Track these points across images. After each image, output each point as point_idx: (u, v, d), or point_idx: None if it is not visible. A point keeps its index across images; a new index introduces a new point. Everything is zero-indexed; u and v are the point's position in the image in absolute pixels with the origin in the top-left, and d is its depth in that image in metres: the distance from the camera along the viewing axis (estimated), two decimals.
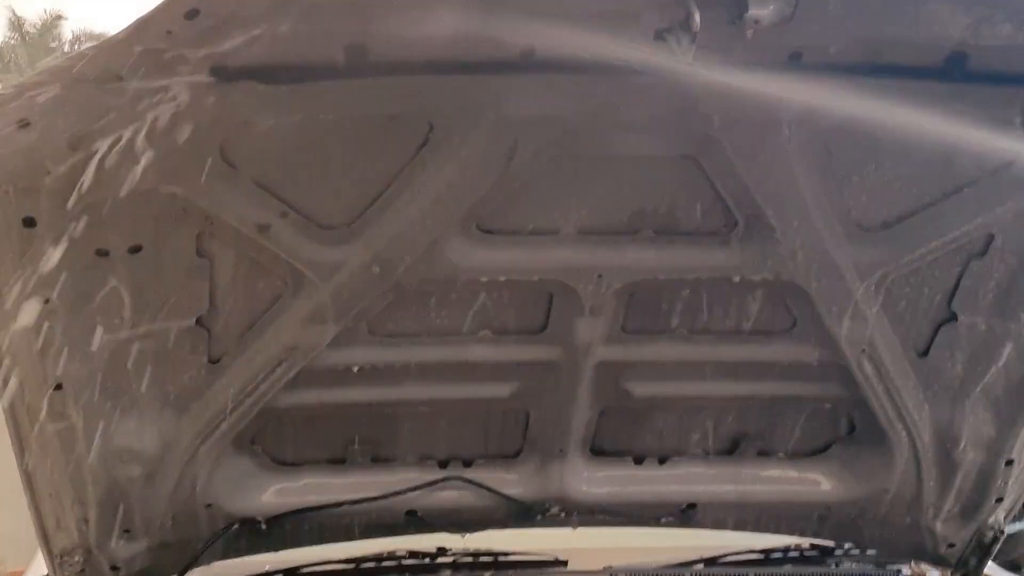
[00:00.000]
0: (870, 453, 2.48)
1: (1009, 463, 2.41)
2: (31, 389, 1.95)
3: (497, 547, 2.65)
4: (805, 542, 2.76)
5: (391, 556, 2.61)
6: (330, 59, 1.61)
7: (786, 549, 2.76)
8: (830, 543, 2.76)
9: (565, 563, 2.67)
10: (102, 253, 1.83)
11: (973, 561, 2.60)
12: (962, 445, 2.40)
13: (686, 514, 2.59)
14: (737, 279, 2.08)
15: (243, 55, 1.56)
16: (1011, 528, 2.63)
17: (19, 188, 1.68)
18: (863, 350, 2.22)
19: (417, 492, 2.45)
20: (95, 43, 1.60)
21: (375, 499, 2.43)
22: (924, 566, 2.72)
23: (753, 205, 1.94)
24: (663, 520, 2.60)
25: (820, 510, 2.60)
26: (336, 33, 1.58)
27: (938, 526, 2.56)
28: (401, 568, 2.62)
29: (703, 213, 1.99)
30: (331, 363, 2.16)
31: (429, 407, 2.36)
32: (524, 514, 2.52)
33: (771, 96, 1.76)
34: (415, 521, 2.52)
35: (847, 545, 2.76)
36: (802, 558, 2.75)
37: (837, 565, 2.75)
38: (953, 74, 1.71)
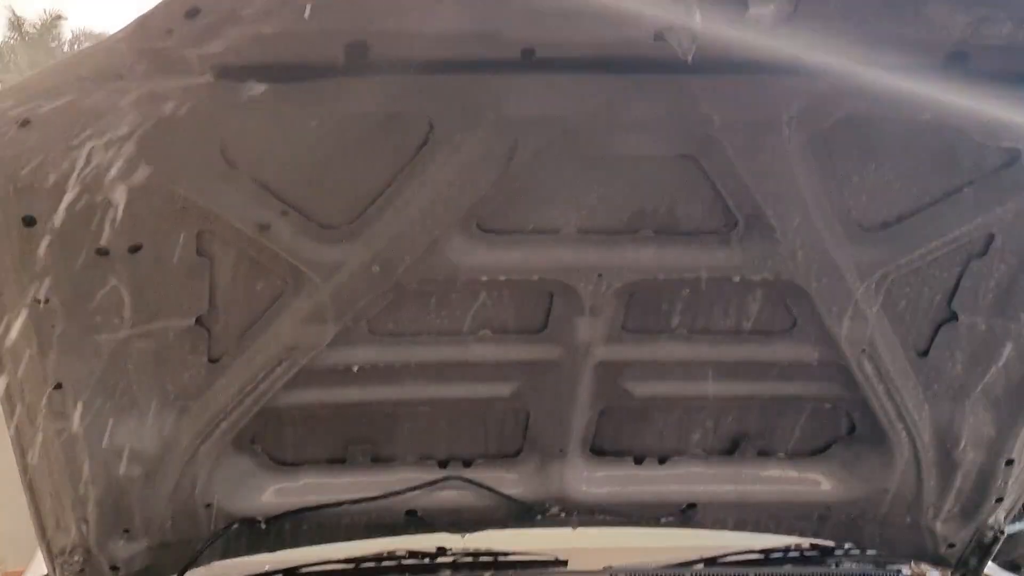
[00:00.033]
0: (870, 453, 2.48)
1: (1009, 463, 2.41)
2: (31, 388, 1.95)
3: (497, 547, 2.65)
4: (805, 542, 2.75)
5: (391, 556, 2.61)
6: (330, 58, 1.61)
7: (786, 549, 2.76)
8: (830, 543, 2.76)
9: (565, 563, 2.67)
10: (102, 252, 1.83)
11: (973, 561, 2.60)
12: (962, 445, 2.40)
13: (686, 514, 2.59)
14: (737, 279, 2.08)
15: (243, 54, 1.56)
16: (1011, 528, 2.63)
17: (19, 187, 1.68)
18: (863, 350, 2.21)
19: (417, 492, 2.45)
20: (95, 42, 1.60)
21: (375, 499, 2.43)
22: (924, 566, 2.72)
23: (753, 205, 1.94)
24: (663, 520, 2.59)
25: (820, 510, 2.60)
26: (336, 32, 1.58)
27: (938, 526, 2.56)
28: (401, 568, 2.62)
29: (703, 213, 1.99)
30: (331, 363, 2.16)
31: (429, 407, 2.36)
32: (524, 514, 2.52)
33: (771, 96, 1.76)
34: (415, 521, 2.52)
35: (847, 545, 2.76)
36: (802, 558, 2.75)
37: (837, 565, 2.75)
38: (954, 73, 1.71)
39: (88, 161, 1.64)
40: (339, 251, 1.94)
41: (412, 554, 2.62)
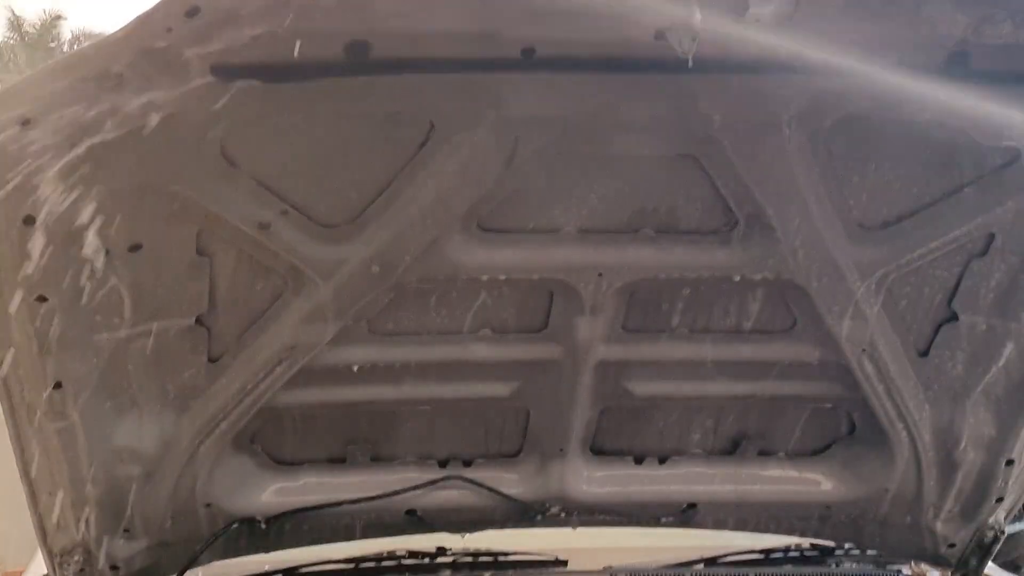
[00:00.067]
0: (870, 453, 2.48)
1: (1010, 463, 2.41)
2: (31, 388, 1.95)
3: (497, 547, 2.65)
4: (805, 542, 2.76)
5: (391, 556, 2.61)
6: (331, 57, 1.60)
7: (786, 549, 2.76)
8: (830, 543, 2.76)
9: (565, 563, 2.67)
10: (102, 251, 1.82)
11: (973, 561, 2.60)
12: (962, 445, 2.40)
13: (686, 514, 2.59)
14: (737, 278, 2.08)
15: (244, 53, 1.55)
16: (1011, 528, 2.63)
17: (19, 186, 1.67)
18: (863, 350, 2.21)
19: (417, 492, 2.45)
20: (95, 41, 1.60)
21: (375, 499, 2.43)
22: (924, 566, 2.72)
23: (753, 204, 1.94)
24: (663, 520, 2.59)
25: (820, 510, 2.60)
26: (337, 31, 1.58)
27: (938, 526, 2.56)
28: (401, 568, 2.62)
29: (703, 212, 1.99)
30: (331, 362, 2.16)
31: (429, 406, 2.36)
32: (524, 514, 2.52)
33: (772, 95, 1.76)
34: (415, 521, 2.52)
35: (847, 545, 2.76)
36: (802, 558, 2.76)
37: (837, 565, 2.75)
38: (955, 72, 1.71)
39: (88, 160, 1.63)
40: (339, 250, 1.94)
41: (412, 554, 2.62)
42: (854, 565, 2.76)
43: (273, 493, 2.43)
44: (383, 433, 2.43)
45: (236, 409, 2.16)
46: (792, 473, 2.57)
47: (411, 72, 1.65)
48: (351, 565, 2.59)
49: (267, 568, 2.56)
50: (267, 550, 2.48)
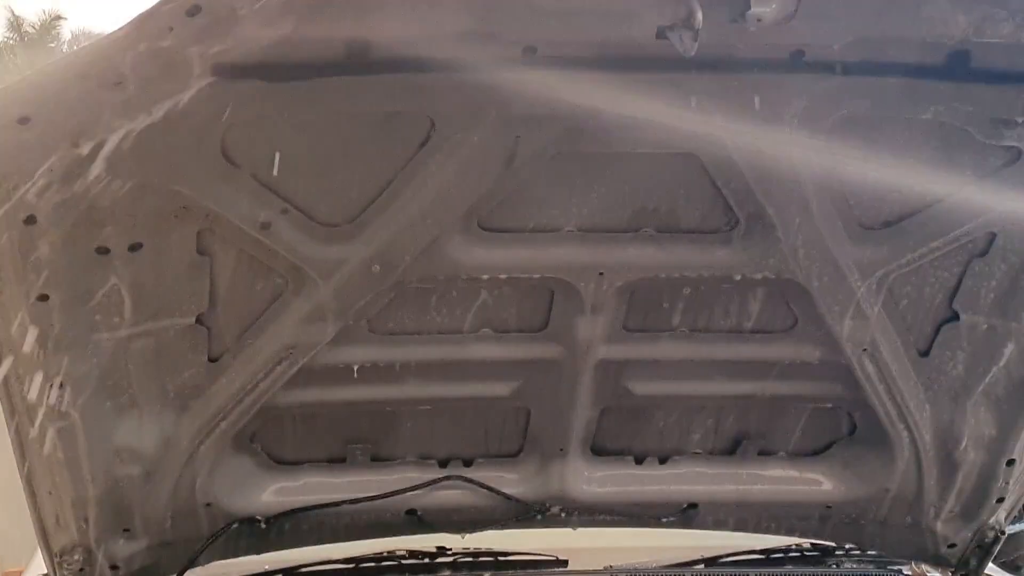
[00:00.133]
0: (871, 453, 2.48)
1: (1010, 463, 2.41)
2: (31, 387, 1.95)
3: (497, 547, 2.64)
4: (806, 542, 2.75)
5: (391, 556, 2.61)
6: (332, 56, 1.60)
7: (787, 549, 2.76)
8: (831, 543, 2.76)
9: (565, 563, 2.66)
10: (102, 251, 1.82)
11: (974, 561, 2.60)
12: (963, 445, 2.40)
13: (687, 514, 2.59)
14: (738, 277, 2.08)
15: (245, 52, 1.56)
16: (1012, 528, 2.63)
17: (19, 185, 1.67)
18: (864, 349, 2.21)
19: (417, 491, 2.45)
20: (96, 40, 1.60)
21: (375, 498, 2.43)
22: (925, 566, 2.72)
23: (754, 203, 1.94)
24: (664, 520, 2.59)
25: (821, 510, 2.59)
26: (338, 30, 1.58)
27: (939, 526, 2.56)
28: (401, 568, 2.62)
29: (704, 211, 1.99)
30: (331, 361, 2.16)
31: (429, 406, 2.36)
32: (524, 514, 2.52)
33: (773, 94, 1.76)
34: (415, 521, 2.51)
35: (848, 545, 2.76)
36: (803, 558, 2.75)
37: (838, 565, 2.75)
38: (955, 72, 1.71)
39: (88, 159, 1.63)
40: (340, 250, 1.94)
41: (412, 554, 2.61)
42: (854, 565, 2.76)
43: (273, 493, 2.42)
44: (383, 433, 2.42)
45: (236, 409, 2.16)
46: (793, 473, 2.57)
47: (412, 72, 1.65)
48: (351, 565, 2.59)
49: (267, 568, 2.56)
50: (267, 550, 2.48)
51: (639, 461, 2.54)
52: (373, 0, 1.56)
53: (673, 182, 1.94)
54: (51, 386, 1.96)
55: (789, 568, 2.73)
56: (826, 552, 2.77)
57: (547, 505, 2.52)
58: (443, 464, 2.49)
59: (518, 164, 1.83)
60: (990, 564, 2.63)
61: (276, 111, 1.71)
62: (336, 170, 1.86)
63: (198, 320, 2.02)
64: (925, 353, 2.28)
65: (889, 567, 2.74)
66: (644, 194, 1.96)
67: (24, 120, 1.57)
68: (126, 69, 1.54)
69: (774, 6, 1.55)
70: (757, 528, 2.64)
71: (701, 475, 2.55)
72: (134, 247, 1.84)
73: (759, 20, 1.55)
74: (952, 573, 2.65)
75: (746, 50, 1.63)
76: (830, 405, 2.46)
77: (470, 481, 2.47)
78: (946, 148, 1.89)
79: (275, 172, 1.82)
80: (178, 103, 1.60)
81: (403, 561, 2.61)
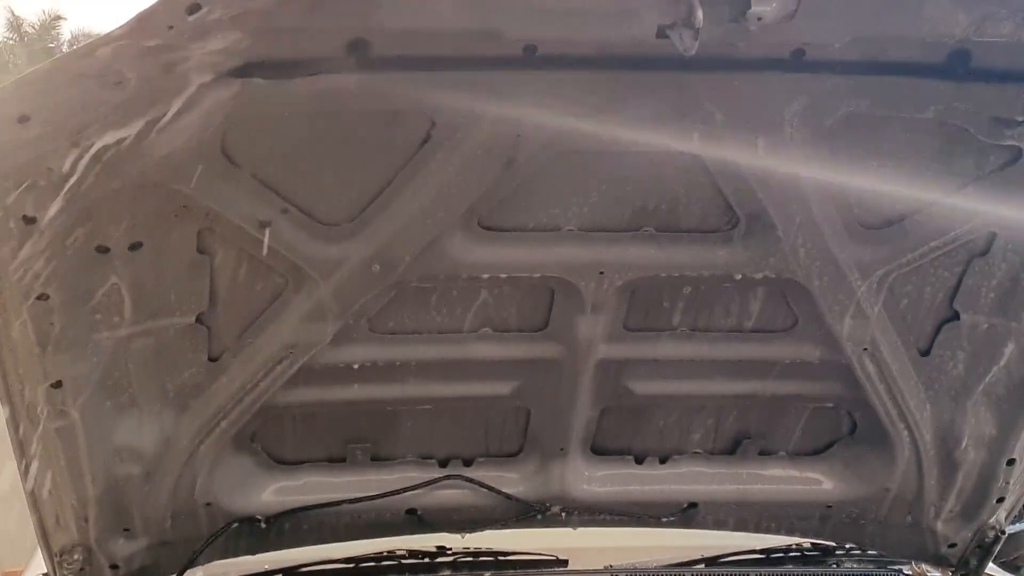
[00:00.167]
0: (871, 453, 2.48)
1: (1011, 463, 2.41)
2: (31, 387, 1.95)
3: (497, 547, 2.64)
4: (806, 542, 2.75)
5: (391, 556, 2.61)
6: (332, 55, 1.60)
7: (787, 549, 2.76)
8: (831, 543, 2.76)
9: (566, 563, 2.66)
10: (102, 250, 1.82)
11: (974, 561, 2.60)
12: (964, 445, 2.40)
13: (687, 513, 2.59)
14: (739, 277, 2.08)
15: (245, 50, 1.55)
16: (1012, 528, 2.63)
17: (19, 184, 1.67)
18: (865, 349, 2.21)
19: (417, 491, 2.45)
20: (96, 39, 1.59)
21: (375, 498, 2.42)
22: (925, 566, 2.72)
23: (755, 202, 1.94)
24: (664, 520, 2.59)
25: (821, 510, 2.59)
26: (338, 29, 1.58)
27: (939, 526, 2.56)
28: (401, 568, 2.62)
29: (705, 211, 1.98)
30: (331, 361, 2.15)
31: (429, 405, 2.36)
32: (524, 513, 2.52)
33: (773, 93, 1.76)
34: (415, 520, 2.51)
35: (848, 545, 2.76)
36: (803, 558, 2.76)
37: (838, 565, 2.75)
38: (955, 71, 1.71)
39: (88, 157, 1.63)
40: (340, 249, 1.94)
41: (412, 554, 2.61)
42: (855, 565, 2.76)
43: (273, 492, 2.42)
44: (383, 432, 2.42)
45: (236, 408, 2.16)
46: (793, 473, 2.57)
47: (412, 70, 1.65)
48: (351, 565, 2.59)
49: (267, 568, 2.56)
50: (267, 550, 2.48)
51: (639, 461, 2.54)
52: None
53: (674, 181, 1.94)
54: (51, 386, 1.95)
55: (789, 568, 2.73)
56: (826, 552, 2.77)
57: (547, 505, 2.52)
58: (443, 464, 2.49)
59: (518, 163, 1.83)
60: (990, 564, 2.63)
61: (276, 110, 1.70)
62: (336, 169, 1.85)
63: (198, 319, 2.02)
64: (926, 353, 2.28)
65: (889, 567, 2.74)
66: (644, 193, 1.96)
67: (24, 119, 1.57)
68: (125, 68, 1.54)
69: (775, 5, 1.55)
70: (757, 528, 2.64)
71: (701, 475, 2.55)
72: (134, 246, 1.84)
73: (760, 19, 1.55)
74: (952, 573, 2.65)
75: (747, 49, 1.62)
76: (830, 405, 2.46)
77: (470, 481, 2.47)
78: (946, 147, 1.89)
79: (275, 171, 1.82)
80: (178, 102, 1.60)
81: (403, 561, 2.61)
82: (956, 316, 2.21)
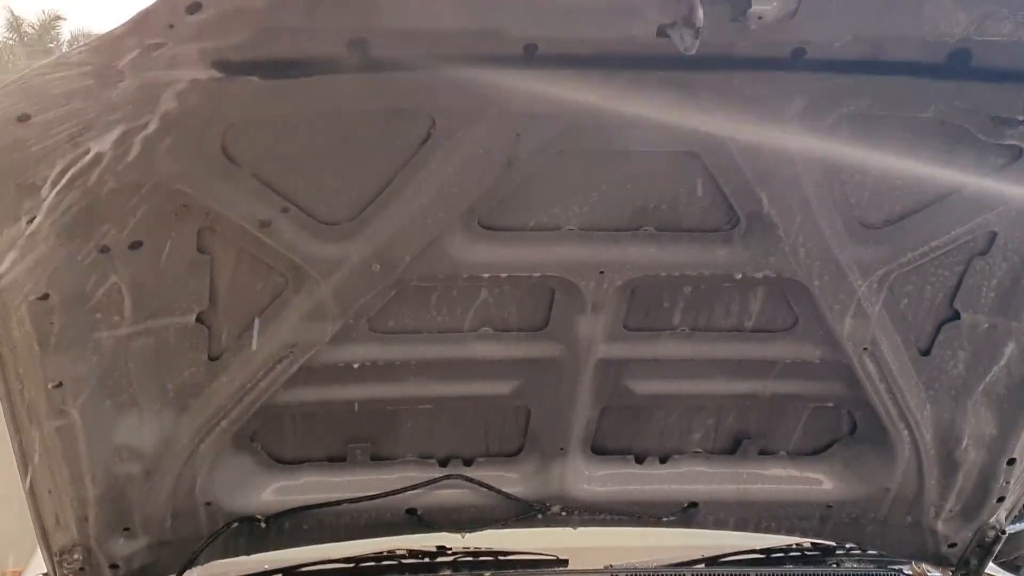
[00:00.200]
0: (872, 452, 2.48)
1: (1011, 462, 2.41)
2: (31, 386, 1.95)
3: (497, 546, 2.64)
4: (806, 541, 2.75)
5: (391, 556, 2.61)
6: (332, 54, 1.60)
7: (787, 548, 2.76)
8: (831, 543, 2.76)
9: (566, 562, 2.66)
10: (102, 249, 1.82)
11: (974, 561, 2.60)
12: (964, 444, 2.40)
13: (687, 513, 2.59)
14: (739, 276, 2.08)
15: (245, 50, 1.55)
16: (1012, 528, 2.63)
17: (19, 183, 1.67)
18: (865, 348, 2.21)
19: (417, 491, 2.45)
20: (96, 37, 1.59)
21: (375, 498, 2.42)
22: (925, 566, 2.72)
23: (755, 202, 1.94)
24: (664, 519, 2.59)
25: (822, 509, 2.59)
26: (339, 28, 1.58)
27: (939, 526, 2.56)
28: (401, 567, 2.61)
29: (705, 210, 1.98)
30: (331, 360, 2.15)
31: (429, 405, 2.36)
32: (525, 513, 2.51)
33: (774, 93, 1.76)
34: (415, 520, 2.51)
35: (848, 545, 2.76)
36: (803, 558, 2.76)
37: (838, 565, 2.75)
38: (956, 70, 1.71)
39: (88, 157, 1.63)
40: (340, 248, 1.94)
41: (412, 553, 2.61)
42: (855, 565, 2.76)
43: (273, 492, 2.42)
44: (383, 432, 2.42)
45: (236, 407, 2.16)
46: (793, 472, 2.57)
47: (413, 69, 1.65)
48: (351, 565, 2.59)
49: (267, 567, 2.56)
50: (267, 549, 2.48)
51: (639, 460, 2.54)
52: None
53: (674, 180, 1.94)
54: (51, 385, 1.95)
55: (790, 567, 2.73)
56: (827, 552, 2.77)
57: (547, 504, 2.52)
58: (443, 463, 2.49)
59: (519, 162, 1.83)
60: (990, 564, 2.63)
61: (277, 109, 1.70)
62: (337, 168, 1.85)
63: (198, 319, 2.02)
64: (926, 352, 2.28)
65: (890, 567, 2.74)
66: (645, 192, 1.96)
67: (24, 118, 1.57)
68: (126, 67, 1.54)
69: (775, 4, 1.55)
70: (758, 527, 2.64)
71: (701, 474, 2.55)
72: (134, 245, 1.84)
73: (760, 18, 1.54)
74: (952, 572, 2.65)
75: (747, 48, 1.62)
76: (831, 404, 2.46)
77: (470, 480, 2.47)
78: (947, 146, 1.89)
79: (275, 170, 1.82)
80: (178, 101, 1.60)
81: (403, 561, 2.61)
82: (956, 316, 2.21)
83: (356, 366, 2.18)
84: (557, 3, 1.58)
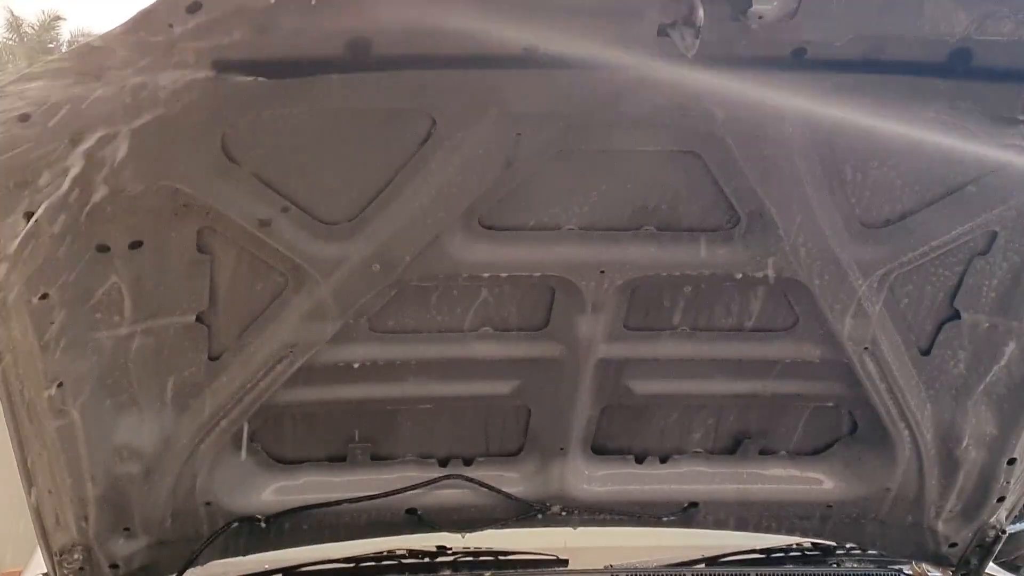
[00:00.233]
0: (872, 452, 2.48)
1: (1011, 462, 2.41)
2: (31, 386, 1.95)
3: (498, 546, 2.64)
4: (807, 541, 2.75)
5: (391, 555, 2.61)
6: (332, 53, 1.60)
7: (788, 548, 2.76)
8: (832, 543, 2.76)
9: (566, 562, 2.66)
10: (102, 249, 1.82)
11: (975, 561, 2.60)
12: (964, 444, 2.40)
13: (687, 513, 2.59)
14: (739, 276, 2.08)
15: (245, 49, 1.55)
16: (1013, 528, 2.63)
17: (19, 183, 1.67)
18: (865, 348, 2.21)
19: (417, 491, 2.45)
20: (96, 37, 1.59)
21: (375, 497, 2.42)
22: (925, 566, 2.72)
23: (756, 201, 1.94)
24: (664, 519, 2.59)
25: (822, 509, 2.59)
26: (339, 27, 1.58)
27: (940, 525, 2.56)
28: (401, 567, 2.62)
29: (705, 209, 1.98)
30: (331, 360, 2.15)
31: (430, 405, 2.36)
32: (525, 513, 2.51)
33: (774, 92, 1.75)
34: (415, 520, 2.51)
35: (849, 545, 2.76)
36: (804, 557, 2.76)
37: (839, 565, 2.75)
38: (956, 70, 1.71)
39: (88, 156, 1.63)
40: (340, 248, 1.93)
41: (412, 553, 2.61)
42: (855, 564, 2.76)
43: (273, 492, 2.42)
44: (383, 432, 2.42)
45: (236, 407, 2.16)
46: (794, 472, 2.57)
47: (413, 69, 1.65)
48: (351, 565, 2.59)
49: (267, 568, 2.56)
50: (267, 549, 2.48)
51: (639, 460, 2.54)
52: None
53: (674, 180, 1.94)
54: (51, 385, 1.95)
55: (790, 567, 2.73)
56: (827, 551, 2.77)
57: (547, 504, 2.52)
58: (443, 463, 2.49)
59: (519, 162, 1.83)
60: (991, 563, 2.63)
61: (276, 108, 1.70)
62: (336, 168, 1.85)
63: (198, 318, 2.02)
64: (926, 352, 2.28)
65: (890, 566, 2.74)
66: (645, 192, 1.96)
67: (24, 117, 1.57)
68: (126, 66, 1.54)
69: (776, 4, 1.55)
70: (758, 527, 2.64)
71: (702, 474, 2.55)
72: (134, 245, 1.84)
73: (761, 18, 1.55)
74: (953, 572, 2.65)
75: (748, 48, 1.62)
76: (831, 404, 2.46)
77: (470, 480, 2.47)
78: (947, 146, 1.89)
79: (276, 170, 1.82)
80: (178, 100, 1.60)
81: (403, 561, 2.61)
82: (957, 315, 2.21)
83: (356, 366, 2.18)
84: (558, 2, 1.58)
